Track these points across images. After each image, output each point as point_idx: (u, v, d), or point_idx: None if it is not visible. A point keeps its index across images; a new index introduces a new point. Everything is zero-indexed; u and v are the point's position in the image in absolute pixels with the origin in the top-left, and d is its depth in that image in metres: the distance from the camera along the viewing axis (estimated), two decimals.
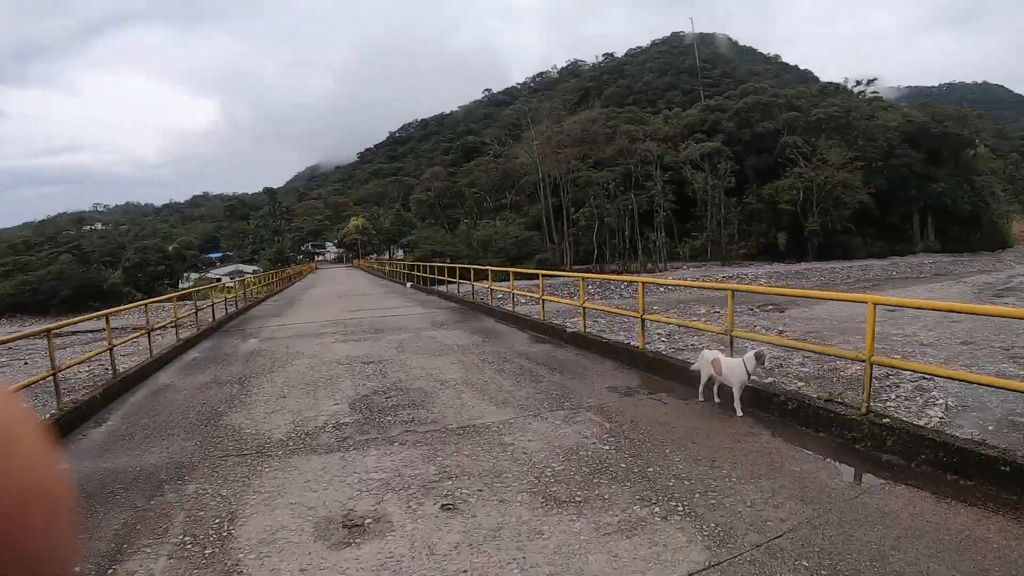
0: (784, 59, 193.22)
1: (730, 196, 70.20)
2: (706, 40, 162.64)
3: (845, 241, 71.39)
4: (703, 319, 22.70)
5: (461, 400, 7.83)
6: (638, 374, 9.16)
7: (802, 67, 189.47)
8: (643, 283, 10.63)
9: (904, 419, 6.30)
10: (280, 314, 21.27)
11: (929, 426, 7.10)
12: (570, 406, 7.38)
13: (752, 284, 44.47)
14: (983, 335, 17.46)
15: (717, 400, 7.38)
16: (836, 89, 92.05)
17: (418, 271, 32.95)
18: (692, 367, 7.80)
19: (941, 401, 10.74)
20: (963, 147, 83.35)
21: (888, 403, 10.33)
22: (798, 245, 70.16)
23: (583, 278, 13.68)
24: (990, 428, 8.99)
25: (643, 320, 10.15)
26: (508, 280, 16.93)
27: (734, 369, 6.99)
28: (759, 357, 6.98)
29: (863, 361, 6.08)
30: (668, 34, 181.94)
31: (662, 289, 37.48)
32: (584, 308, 12.65)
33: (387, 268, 48.89)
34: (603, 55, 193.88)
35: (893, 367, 6.61)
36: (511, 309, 16.49)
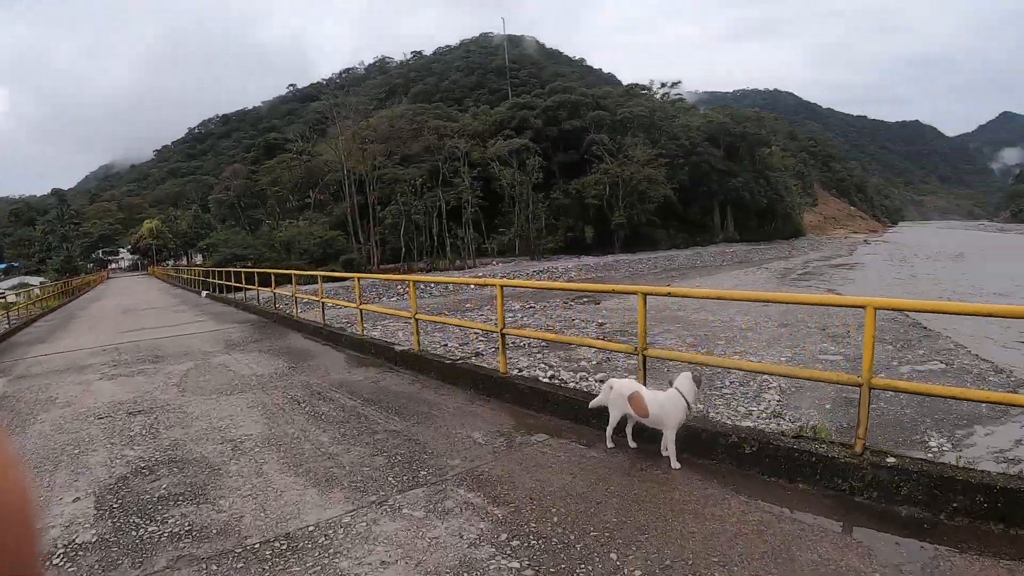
0: (589, 63, 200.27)
1: (538, 191, 70.69)
2: (514, 41, 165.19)
3: (650, 233, 73.74)
4: (520, 315, 21.87)
5: (264, 479, 5.04)
6: (505, 409, 6.93)
7: (606, 71, 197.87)
8: (413, 282, 10.14)
9: (907, 454, 4.69)
10: (48, 338, 16.98)
11: (930, 457, 5.64)
12: (430, 477, 4.92)
13: (561, 278, 45.86)
14: (797, 317, 18.45)
15: (633, 445, 5.42)
16: (642, 90, 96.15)
17: (214, 277, 29.53)
18: (593, 403, 5.66)
19: (775, 384, 11.16)
20: (759, 146, 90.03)
21: (724, 391, 10.75)
22: (605, 238, 71.48)
23: (411, 280, 10.50)
24: (827, 406, 9.78)
25: (416, 320, 9.71)
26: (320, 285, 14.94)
27: (668, 406, 5.04)
28: (697, 380, 5.14)
29: (857, 385, 4.58)
30: (477, 34, 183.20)
31: (473, 287, 35.29)
32: (416, 319, 9.83)
33: (183, 275, 44.06)
34: (412, 53, 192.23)
35: (896, 390, 4.76)
36: (322, 321, 13.96)
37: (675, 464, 4.90)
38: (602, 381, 7.82)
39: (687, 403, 4.94)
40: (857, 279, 38.06)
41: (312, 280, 15.29)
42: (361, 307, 11.72)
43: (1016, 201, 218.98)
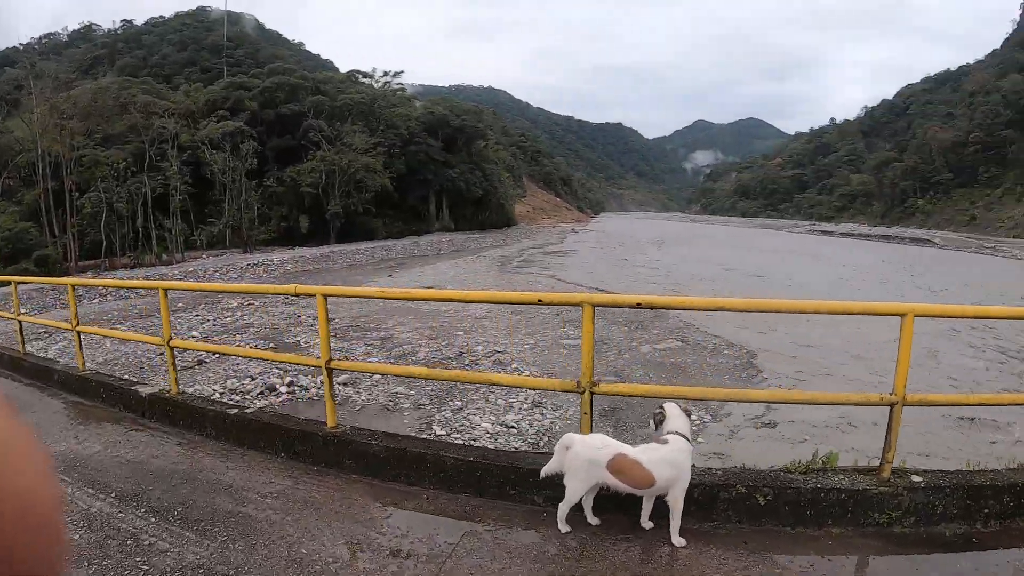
0: (309, 48, 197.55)
1: (251, 179, 67.27)
2: (233, 18, 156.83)
3: (366, 223, 73.14)
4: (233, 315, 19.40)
5: None
6: (359, 487, 4.97)
7: (324, 56, 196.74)
8: (164, 290, 6.97)
9: (929, 469, 4.50)
10: None
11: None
12: None
13: (276, 271, 43.60)
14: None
15: (595, 521, 4.18)
16: (363, 77, 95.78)
17: None
18: (546, 470, 4.15)
19: (524, 396, 10.42)
20: (476, 138, 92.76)
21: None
22: (320, 228, 70.03)
23: (161, 288, 6.99)
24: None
25: (170, 347, 6.83)
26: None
27: (682, 462, 3.93)
28: (687, 412, 4.21)
29: (891, 404, 4.23)
30: (195, 7, 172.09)
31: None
32: (171, 346, 6.87)
33: None
34: (122, 21, 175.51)
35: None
36: (21, 349, 9.93)
37: (679, 540, 3.94)
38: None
39: (690, 457, 3.97)
40: (572, 265, 41.16)
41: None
42: (80, 328, 8.16)
43: (706, 196, 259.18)
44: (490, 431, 8.55)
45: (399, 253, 56.69)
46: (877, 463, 4.41)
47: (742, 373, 12.44)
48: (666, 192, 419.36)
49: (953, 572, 3.59)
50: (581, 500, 4.06)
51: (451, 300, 8.51)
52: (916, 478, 4.22)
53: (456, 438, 8.22)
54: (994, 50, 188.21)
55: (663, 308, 5.24)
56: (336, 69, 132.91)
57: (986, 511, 4.10)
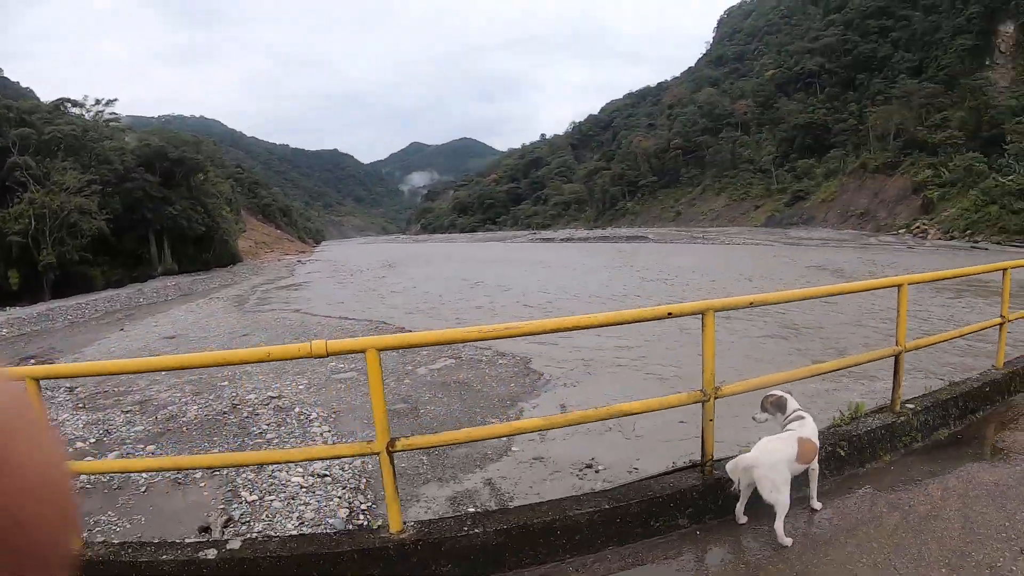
0: (7, 74, 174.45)
1: None
2: None
3: (84, 272, 66.01)
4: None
5: None
6: None
7: (24, 84, 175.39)
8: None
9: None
10: None
11: None
12: None
13: None
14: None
15: (744, 520, 4.43)
16: (73, 106, 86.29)
17: None
18: (740, 509, 4.44)
19: (315, 415, 11.08)
20: (196, 171, 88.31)
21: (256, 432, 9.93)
22: (33, 283, 61.70)
23: None
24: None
25: None
26: None
27: (817, 434, 4.49)
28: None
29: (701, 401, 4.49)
30: None
31: None
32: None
33: None
34: None
35: None
36: None
37: (817, 504, 4.52)
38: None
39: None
40: (314, 297, 40.29)
41: None
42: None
43: (425, 215, 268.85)
44: (304, 484, 8.08)
45: (124, 303, 52.17)
46: (888, 403, 5.98)
47: (524, 379, 13.36)
48: (385, 215, 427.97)
49: (956, 456, 5.34)
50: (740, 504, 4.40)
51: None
52: (910, 405, 5.85)
53: (272, 500, 7.71)
54: (689, 67, 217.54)
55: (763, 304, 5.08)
56: (36, 98, 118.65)
57: (956, 415, 6.03)
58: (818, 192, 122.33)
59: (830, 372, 5.68)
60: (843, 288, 5.72)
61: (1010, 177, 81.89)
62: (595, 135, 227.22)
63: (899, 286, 5.46)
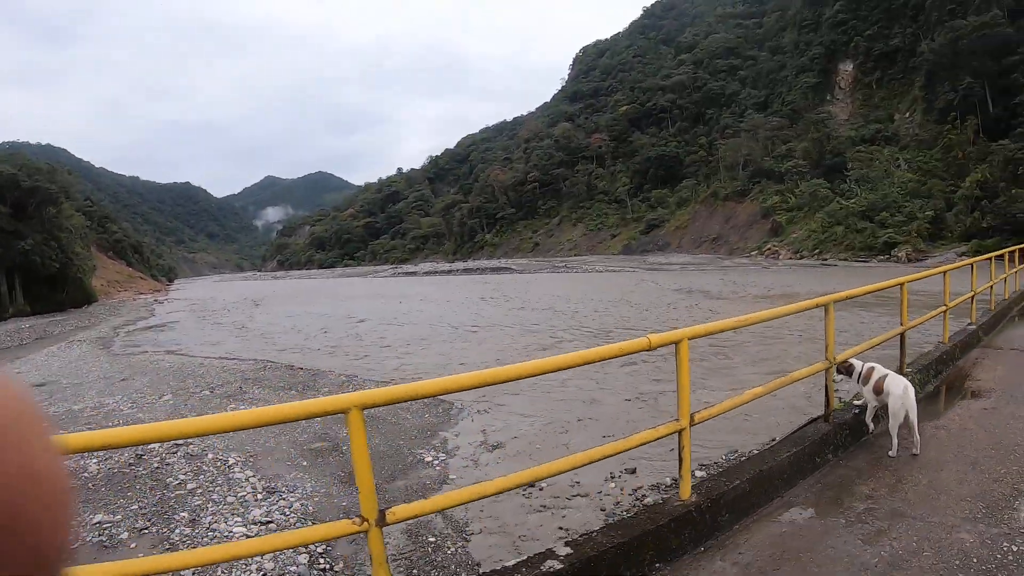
0: None
1: None
2: None
3: None
4: None
5: None
6: None
7: None
8: None
9: None
10: None
11: None
12: None
13: None
14: None
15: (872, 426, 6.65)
16: None
17: None
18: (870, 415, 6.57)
19: (235, 460, 10.32)
20: (50, 202, 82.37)
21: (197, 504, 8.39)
22: None
23: None
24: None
25: None
26: None
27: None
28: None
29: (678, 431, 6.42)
30: None
31: None
32: None
33: None
34: None
35: None
36: None
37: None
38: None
39: None
40: (185, 338, 37.72)
41: None
42: None
43: (281, 251, 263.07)
44: (248, 534, 7.39)
45: None
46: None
47: (436, 409, 13.25)
48: (239, 252, 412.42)
49: (951, 398, 7.57)
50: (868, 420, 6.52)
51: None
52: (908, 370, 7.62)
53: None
54: (545, 103, 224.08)
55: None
56: None
57: (933, 374, 8.06)
58: (672, 220, 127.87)
59: (795, 382, 6.16)
60: (780, 311, 5.93)
61: (852, 200, 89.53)
62: (452, 168, 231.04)
63: (826, 305, 6.18)
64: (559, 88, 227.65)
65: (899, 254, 74.57)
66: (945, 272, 9.84)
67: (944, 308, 9.70)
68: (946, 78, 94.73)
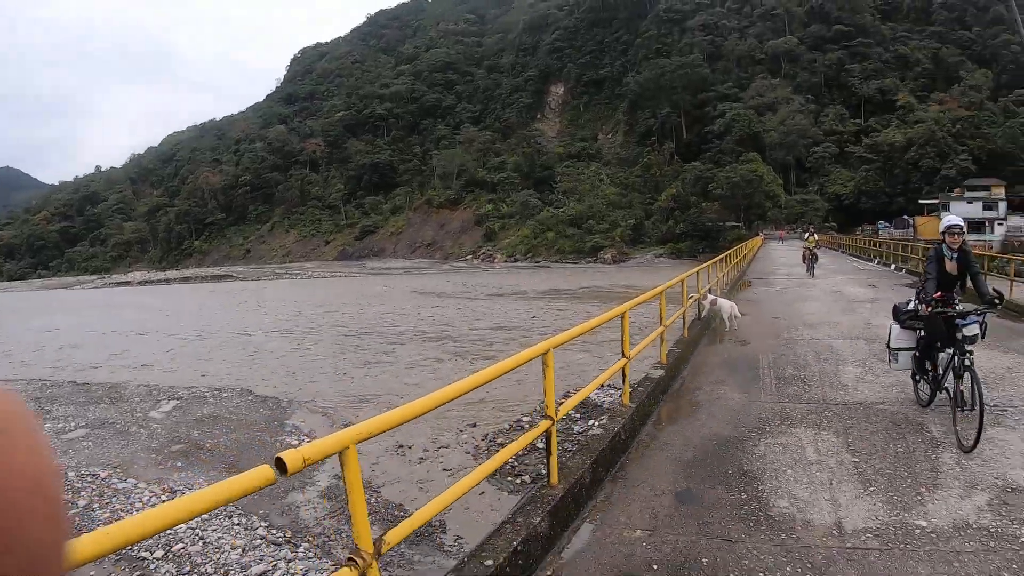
0: None
1: None
2: None
3: None
4: None
5: None
6: None
7: None
8: None
9: None
10: None
11: None
12: None
13: None
14: None
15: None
16: None
17: None
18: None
19: None
20: None
21: None
22: None
23: None
24: None
25: None
26: None
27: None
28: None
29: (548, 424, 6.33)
30: None
31: None
32: None
33: None
34: None
35: None
36: None
37: None
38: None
39: None
40: None
41: None
42: None
43: None
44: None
45: None
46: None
47: (264, 403, 13.87)
48: None
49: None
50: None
51: None
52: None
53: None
54: (257, 103, 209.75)
55: None
56: None
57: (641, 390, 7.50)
58: (386, 226, 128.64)
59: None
60: (594, 322, 5.96)
61: (561, 209, 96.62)
62: (156, 169, 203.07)
63: (623, 314, 6.65)
64: (274, 88, 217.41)
65: (605, 256, 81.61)
66: (661, 293, 9.00)
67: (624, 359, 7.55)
68: (648, 106, 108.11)
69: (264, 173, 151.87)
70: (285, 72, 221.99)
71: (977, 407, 5.38)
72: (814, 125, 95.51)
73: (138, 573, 6.69)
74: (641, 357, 8.54)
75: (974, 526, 4.14)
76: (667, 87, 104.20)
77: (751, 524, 4.37)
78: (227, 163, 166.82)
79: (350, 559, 2.81)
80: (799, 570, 3.77)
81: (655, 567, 3.93)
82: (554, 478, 4.77)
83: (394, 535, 3.17)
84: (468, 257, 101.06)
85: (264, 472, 2.38)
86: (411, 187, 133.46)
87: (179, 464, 9.94)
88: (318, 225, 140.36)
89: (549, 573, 4.01)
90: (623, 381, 7.08)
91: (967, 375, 5.61)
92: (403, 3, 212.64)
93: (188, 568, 6.83)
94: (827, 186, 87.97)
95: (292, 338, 25.10)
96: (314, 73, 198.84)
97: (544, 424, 4.74)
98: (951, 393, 5.80)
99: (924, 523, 4.21)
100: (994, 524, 4.15)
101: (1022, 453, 5.32)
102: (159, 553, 7.26)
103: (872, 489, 4.76)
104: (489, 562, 3.78)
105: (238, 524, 7.78)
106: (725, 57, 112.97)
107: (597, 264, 78.57)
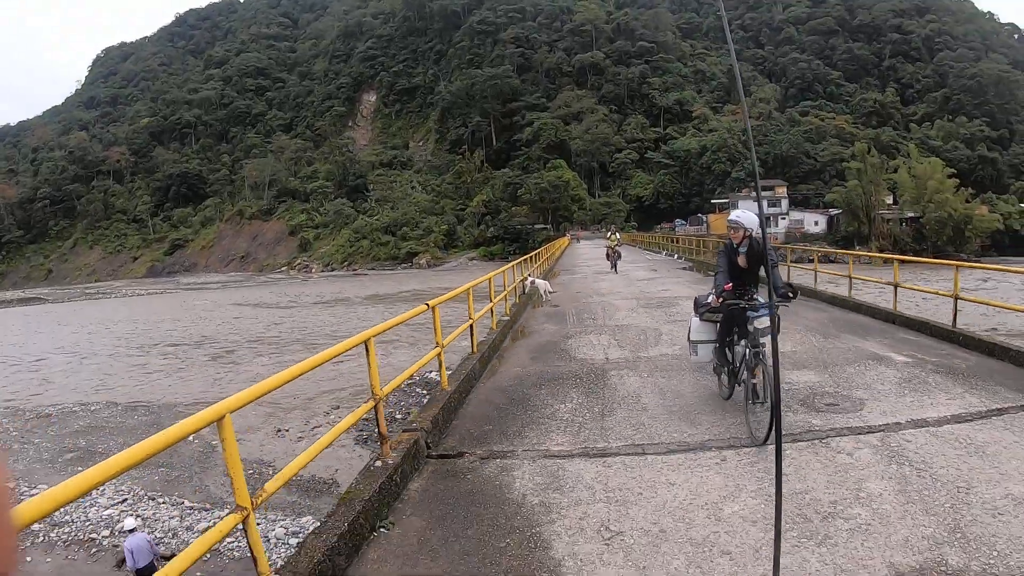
0: None
1: None
2: None
3: None
4: None
5: None
6: None
7: None
8: None
9: None
10: None
11: None
12: None
13: None
14: None
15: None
16: None
17: None
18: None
19: None
20: None
21: None
22: None
23: None
24: None
25: None
26: None
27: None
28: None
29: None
30: None
31: None
32: None
33: None
34: None
35: None
36: None
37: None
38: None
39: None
40: None
41: None
42: None
43: None
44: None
45: None
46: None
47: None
48: None
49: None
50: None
51: None
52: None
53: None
54: (55, 107, 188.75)
55: None
56: None
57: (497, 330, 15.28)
58: (197, 239, 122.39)
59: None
60: (321, 357, 4.65)
61: (375, 217, 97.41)
62: None
63: (428, 308, 6.84)
64: (74, 91, 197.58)
65: (420, 261, 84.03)
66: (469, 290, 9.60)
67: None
68: (459, 115, 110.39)
69: (64, 185, 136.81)
70: (87, 73, 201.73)
71: (769, 400, 5.47)
72: (617, 133, 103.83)
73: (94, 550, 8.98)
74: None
75: (670, 355, 8.67)
76: (478, 96, 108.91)
77: (567, 360, 8.80)
78: (24, 174, 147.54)
79: (238, 506, 3.18)
80: (589, 372, 8.00)
81: (530, 378, 7.94)
82: (444, 382, 7.22)
83: (271, 485, 3.56)
84: (284, 268, 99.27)
85: (159, 439, 2.74)
86: (222, 198, 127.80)
87: (79, 468, 10.02)
88: (124, 240, 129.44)
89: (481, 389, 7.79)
90: (440, 368, 7.60)
91: (759, 368, 5.73)
92: (213, 3, 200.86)
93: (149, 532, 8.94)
94: (629, 189, 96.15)
95: (135, 352, 26.29)
96: (119, 75, 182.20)
97: (370, 403, 5.15)
98: (746, 386, 5.90)
99: (647, 355, 8.78)
100: (678, 354, 8.62)
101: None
102: (105, 532, 9.62)
103: (625, 350, 9.18)
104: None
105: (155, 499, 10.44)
106: (535, 69, 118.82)
107: (413, 269, 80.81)
